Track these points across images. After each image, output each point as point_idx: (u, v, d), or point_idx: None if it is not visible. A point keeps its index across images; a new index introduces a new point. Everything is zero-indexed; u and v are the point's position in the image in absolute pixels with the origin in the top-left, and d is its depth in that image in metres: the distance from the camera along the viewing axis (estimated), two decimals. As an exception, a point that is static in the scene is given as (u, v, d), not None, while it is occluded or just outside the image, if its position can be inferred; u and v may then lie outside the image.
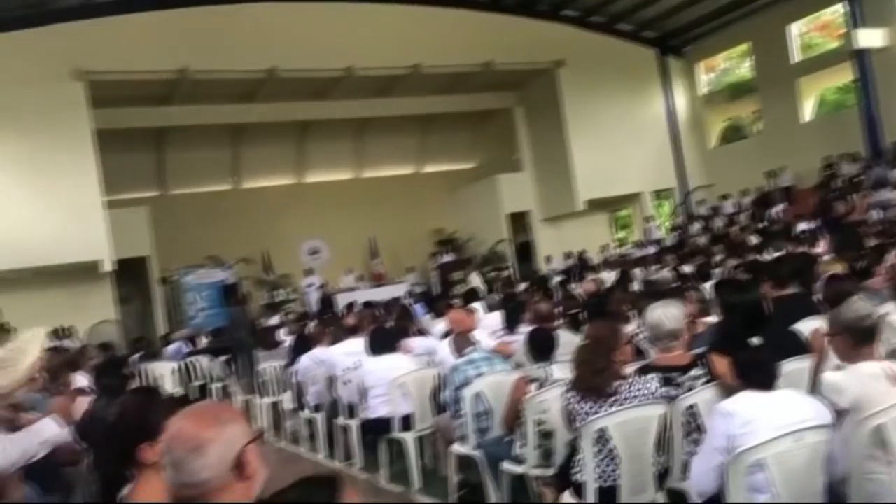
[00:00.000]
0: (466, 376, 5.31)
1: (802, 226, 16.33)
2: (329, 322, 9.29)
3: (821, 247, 11.62)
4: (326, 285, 20.18)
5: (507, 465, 4.70)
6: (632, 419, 3.67)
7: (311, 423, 7.87)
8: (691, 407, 3.74)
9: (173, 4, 17.19)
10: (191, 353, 13.10)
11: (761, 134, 22.20)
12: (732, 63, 23.64)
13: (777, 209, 19.17)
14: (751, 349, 3.45)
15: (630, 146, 21.77)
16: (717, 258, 13.76)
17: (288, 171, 23.07)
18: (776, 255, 10.05)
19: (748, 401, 3.01)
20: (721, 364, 3.70)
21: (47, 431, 2.39)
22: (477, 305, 9.07)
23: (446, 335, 6.82)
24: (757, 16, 20.89)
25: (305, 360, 7.89)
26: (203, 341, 14.45)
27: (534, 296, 8.02)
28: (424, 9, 19.58)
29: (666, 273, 9.89)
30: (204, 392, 11.26)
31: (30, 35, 15.85)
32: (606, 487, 3.69)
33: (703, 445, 3.10)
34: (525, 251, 23.34)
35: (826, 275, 5.66)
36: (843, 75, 19.64)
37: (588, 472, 3.70)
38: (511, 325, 6.77)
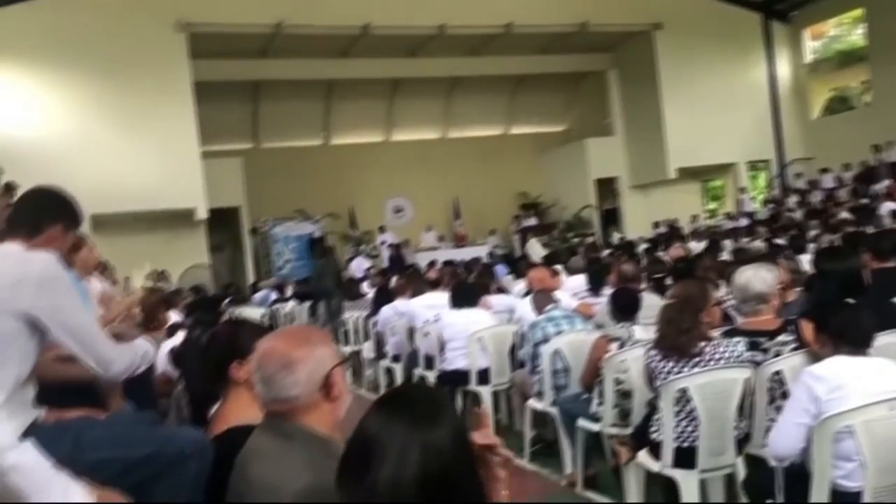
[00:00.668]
0: (546, 333, 5.31)
1: (890, 205, 15.50)
2: (411, 276, 9.42)
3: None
4: (403, 244, 20.41)
5: (583, 423, 4.70)
6: (714, 381, 3.61)
7: (389, 372, 8.04)
8: (777, 373, 3.64)
9: (273, -42, 17.46)
10: (277, 301, 13.53)
11: (869, 106, 21.00)
12: (843, 30, 22.39)
13: (881, 185, 18.21)
14: (847, 307, 3.30)
15: (726, 114, 20.97)
16: (813, 233, 13.24)
17: (376, 129, 23.27)
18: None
19: (839, 365, 2.90)
20: (810, 330, 3.59)
21: (145, 346, 2.52)
22: (558, 268, 9.03)
23: (526, 294, 6.83)
24: (873, -20, 19.70)
25: (386, 310, 8.05)
26: (289, 291, 14.88)
27: (619, 259, 7.90)
28: (520, -34, 19.26)
29: (758, 243, 9.56)
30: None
31: (136, -13, 16.41)
32: (684, 448, 3.65)
33: (786, 408, 3.01)
34: (611, 218, 22.96)
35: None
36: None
37: (666, 432, 3.67)
38: (595, 287, 6.71)
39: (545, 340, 5.24)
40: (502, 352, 6.27)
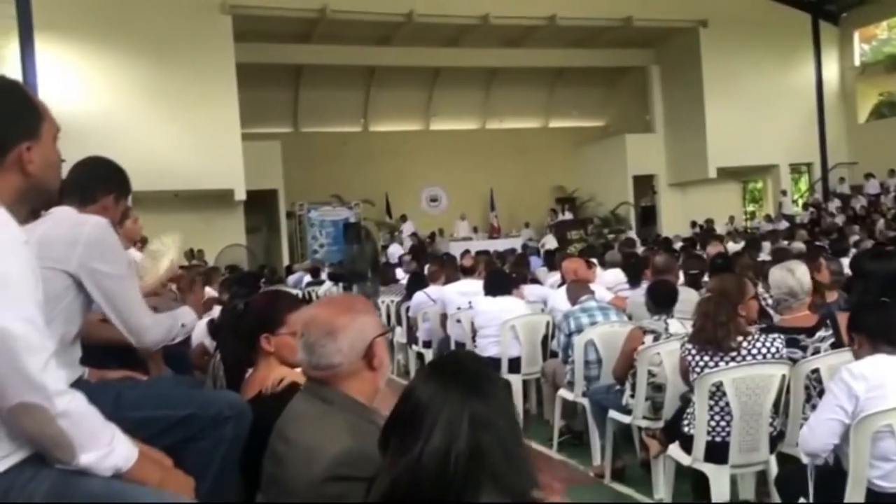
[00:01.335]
0: (579, 323, 5.29)
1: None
2: (445, 263, 9.43)
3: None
4: (427, 235, 20.52)
5: (613, 414, 4.68)
6: (750, 376, 3.57)
7: (421, 357, 8.07)
8: (815, 371, 3.60)
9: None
10: (311, 284, 13.63)
11: (919, 112, 20.59)
12: (894, 33, 21.89)
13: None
14: (883, 306, 3.24)
15: (770, 115, 20.65)
16: (854, 238, 12.98)
17: (414, 118, 23.31)
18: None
19: (879, 364, 2.85)
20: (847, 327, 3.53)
21: (187, 316, 2.57)
22: (594, 260, 8.98)
23: (560, 286, 6.79)
24: (928, -18, 19.22)
25: (419, 296, 8.07)
26: (323, 274, 14.97)
27: (655, 254, 7.83)
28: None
29: (798, 244, 9.41)
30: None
31: (183, -32, 16.60)
32: (717, 442, 3.63)
33: (822, 404, 2.96)
34: (648, 216, 22.75)
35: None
36: None
37: (699, 426, 3.64)
38: (633, 280, 6.66)
39: (579, 330, 5.22)
40: (535, 341, 6.25)
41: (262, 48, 18.61)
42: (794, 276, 3.79)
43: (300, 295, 12.01)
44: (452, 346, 7.08)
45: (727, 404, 3.57)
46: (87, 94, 15.70)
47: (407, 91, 22.38)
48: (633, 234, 19.99)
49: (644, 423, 4.46)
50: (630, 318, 5.50)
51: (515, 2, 18.47)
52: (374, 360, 1.85)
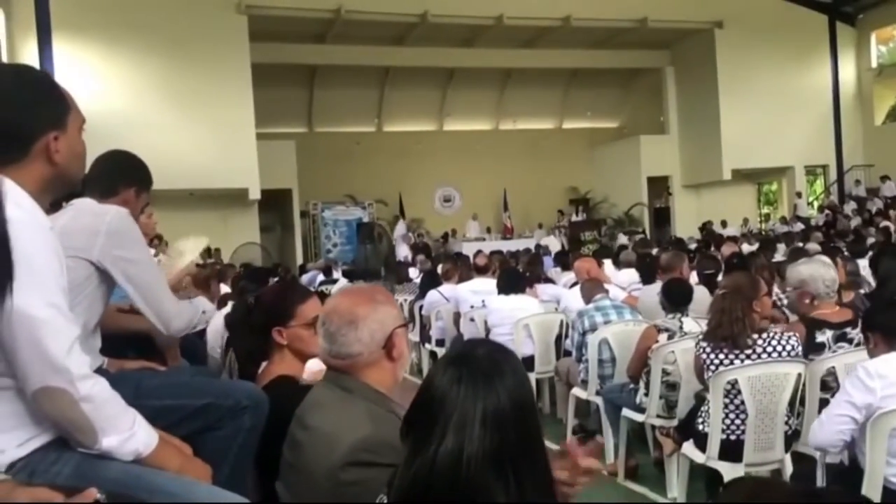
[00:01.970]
0: (593, 322, 5.29)
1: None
2: (458, 262, 9.43)
3: None
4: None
5: (627, 413, 4.68)
6: (765, 374, 3.56)
7: (434, 356, 8.08)
8: (832, 370, 3.58)
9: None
10: (324, 283, 13.65)
11: (936, 114, 20.42)
12: (912, 35, 21.76)
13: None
14: None
15: (785, 117, 20.54)
16: (871, 241, 12.88)
17: (428, 118, 23.34)
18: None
19: (895, 362, 2.84)
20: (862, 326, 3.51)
21: (206, 304, 2.59)
22: (606, 261, 8.97)
23: (573, 285, 6.79)
24: (947, -17, 19.07)
25: (433, 294, 8.08)
26: (336, 273, 15.01)
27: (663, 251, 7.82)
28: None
29: (814, 245, 9.35)
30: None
31: (200, -32, 16.69)
32: (731, 441, 3.62)
33: (835, 399, 2.94)
34: (662, 217, 22.66)
35: None
36: None
37: (714, 424, 3.64)
38: (646, 279, 6.64)
39: (592, 329, 5.22)
40: (548, 340, 6.26)
41: (277, 48, 18.68)
42: (829, 269, 3.78)
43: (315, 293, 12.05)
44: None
45: (742, 402, 3.56)
46: (103, 93, 15.76)
47: (421, 91, 22.41)
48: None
49: (658, 422, 4.45)
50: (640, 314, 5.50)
51: (530, 2, 18.44)
52: (393, 351, 1.86)
